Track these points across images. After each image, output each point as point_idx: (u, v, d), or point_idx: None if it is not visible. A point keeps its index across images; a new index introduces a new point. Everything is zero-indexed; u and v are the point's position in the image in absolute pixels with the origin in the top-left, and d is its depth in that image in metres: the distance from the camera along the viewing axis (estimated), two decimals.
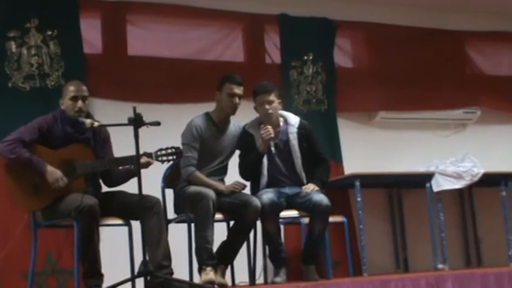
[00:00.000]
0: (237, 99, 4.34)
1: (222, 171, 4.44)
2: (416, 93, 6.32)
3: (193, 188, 4.17)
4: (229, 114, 4.39)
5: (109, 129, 4.02)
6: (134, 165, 3.83)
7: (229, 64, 5.72)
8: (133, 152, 3.60)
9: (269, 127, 4.28)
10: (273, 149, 4.33)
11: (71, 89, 3.89)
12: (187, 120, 4.43)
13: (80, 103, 3.84)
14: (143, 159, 3.79)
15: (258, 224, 4.30)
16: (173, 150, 3.91)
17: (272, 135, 4.27)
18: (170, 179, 4.45)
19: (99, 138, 3.98)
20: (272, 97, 4.40)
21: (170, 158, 3.90)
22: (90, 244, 3.67)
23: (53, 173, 3.70)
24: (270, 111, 4.38)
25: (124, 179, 4.03)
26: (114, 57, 5.39)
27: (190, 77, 5.58)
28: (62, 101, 3.92)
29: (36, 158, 3.72)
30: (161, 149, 3.90)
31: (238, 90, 4.35)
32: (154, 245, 3.76)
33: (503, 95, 6.59)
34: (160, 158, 3.89)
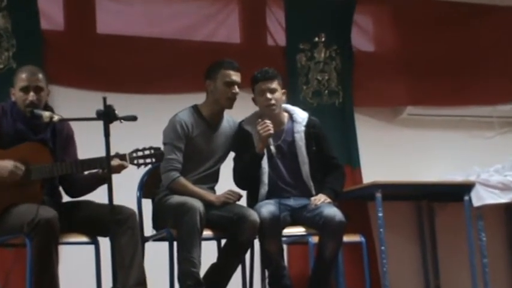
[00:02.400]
0: (236, 89, 4.37)
1: (213, 177, 4.45)
2: (453, 85, 6.35)
3: (176, 198, 4.18)
4: (226, 107, 4.42)
5: (72, 124, 4.02)
6: (103, 170, 3.82)
7: (222, 46, 5.74)
8: (102, 153, 3.59)
9: (267, 121, 4.29)
10: (272, 147, 4.31)
11: (22, 77, 3.88)
12: (170, 114, 4.43)
13: (31, 95, 3.83)
14: (115, 162, 3.79)
15: (256, 243, 4.30)
16: (152, 151, 3.91)
17: (271, 131, 4.27)
18: (148, 187, 4.45)
19: (60, 136, 3.98)
20: (275, 85, 4.42)
21: (148, 160, 3.90)
22: (47, 267, 3.65)
23: (2, 166, 3.69)
24: (273, 101, 4.40)
25: (90, 187, 4.03)
26: (80, 35, 5.40)
27: (174, 61, 5.59)
28: (13, 90, 3.92)
29: None
30: (137, 150, 3.90)
31: (236, 77, 4.38)
32: (126, 267, 3.76)
33: None
34: (136, 161, 3.89)
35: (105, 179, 3.66)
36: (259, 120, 4.31)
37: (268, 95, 4.39)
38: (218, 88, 4.36)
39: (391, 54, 6.29)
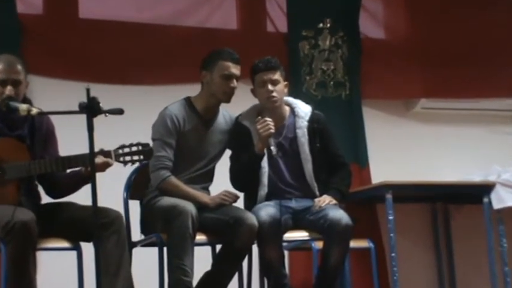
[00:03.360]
0: (234, 82, 4.38)
1: (207, 177, 4.46)
2: (472, 75, 6.36)
3: (167, 200, 4.19)
4: (222, 101, 4.43)
5: (53, 118, 4.01)
6: (87, 168, 3.82)
7: (217, 32, 5.75)
8: (85, 150, 3.59)
9: (268, 119, 4.29)
10: (273, 148, 4.33)
11: None
12: (160, 107, 4.43)
13: (9, 89, 3.82)
14: (99, 160, 3.78)
15: (254, 249, 4.31)
16: (140, 147, 3.90)
17: (272, 130, 4.28)
18: (136, 187, 4.46)
19: (39, 131, 3.97)
20: (277, 76, 4.43)
21: (136, 158, 3.89)
22: (23, 274, 3.65)
23: None
24: (274, 94, 4.40)
25: (73, 187, 4.02)
26: (60, 20, 5.40)
27: (164, 49, 5.60)
28: None
29: None
30: (124, 146, 3.89)
31: (236, 70, 4.39)
32: (112, 275, 3.76)
33: None
34: (122, 158, 3.88)
35: (88, 178, 3.65)
36: (259, 118, 4.32)
37: (270, 87, 4.39)
38: (214, 80, 4.37)
39: (403, 42, 6.29)
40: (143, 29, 5.58)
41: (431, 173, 5.90)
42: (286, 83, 4.51)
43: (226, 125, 4.51)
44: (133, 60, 5.51)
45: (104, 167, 3.83)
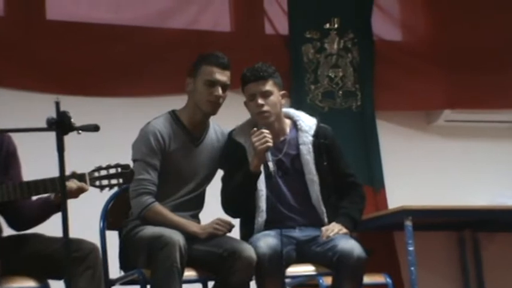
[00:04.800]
0: (219, 90, 4.36)
1: (197, 203, 4.47)
2: (502, 83, 6.40)
3: (150, 230, 4.18)
4: (207, 113, 4.42)
5: (15, 137, 4.01)
6: (57, 194, 3.81)
7: (207, 36, 5.78)
8: (54, 173, 3.58)
9: (265, 131, 4.29)
10: (270, 164, 4.31)
11: None
12: (142, 123, 4.44)
13: None
14: (71, 184, 3.77)
15: (252, 286, 4.29)
16: (119, 170, 3.89)
17: (269, 144, 4.27)
18: (114, 216, 4.47)
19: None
20: (269, 86, 4.40)
21: (114, 182, 3.88)
22: None
23: None
24: (265, 108, 4.39)
25: (40, 217, 4.01)
26: (24, 22, 5.41)
27: (146, 55, 5.63)
28: None
29: None
30: (100, 168, 3.88)
31: (221, 75, 4.37)
32: None
33: None
34: (98, 183, 3.87)
35: (58, 205, 3.65)
36: (255, 129, 4.31)
37: (260, 101, 4.38)
38: (197, 88, 4.38)
39: (423, 44, 6.32)
40: (122, 32, 5.61)
41: (458, 196, 5.92)
42: (283, 92, 4.49)
43: (217, 142, 4.51)
44: (110, 69, 5.54)
45: (77, 192, 3.81)
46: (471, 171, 6.23)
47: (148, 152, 4.33)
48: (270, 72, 4.43)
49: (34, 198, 3.97)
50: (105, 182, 3.87)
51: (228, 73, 4.39)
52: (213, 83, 4.35)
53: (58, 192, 3.75)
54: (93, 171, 3.86)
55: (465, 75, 6.29)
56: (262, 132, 4.27)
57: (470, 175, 6.21)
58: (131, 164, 4.10)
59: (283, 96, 4.50)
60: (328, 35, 6.14)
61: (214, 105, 4.37)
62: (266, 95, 4.39)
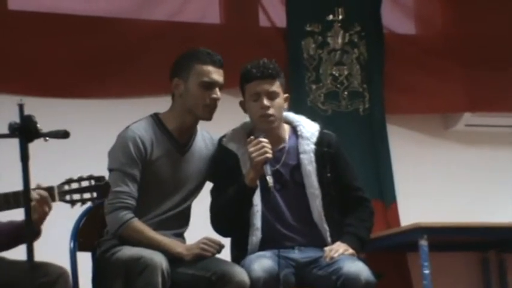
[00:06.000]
0: (217, 92, 4.38)
1: (182, 219, 4.48)
2: None
3: (128, 250, 4.18)
4: (202, 118, 4.43)
5: None
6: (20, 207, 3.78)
7: (193, 28, 5.78)
8: (18, 186, 3.56)
9: (263, 140, 4.28)
10: (269, 178, 4.30)
11: None
12: (119, 127, 4.44)
13: None
14: (36, 196, 3.75)
15: None
16: (92, 182, 3.88)
17: (269, 155, 4.27)
18: (87, 235, 4.46)
19: None
20: (276, 87, 4.42)
21: (87, 196, 3.86)
22: None
23: None
24: (271, 110, 4.39)
25: (5, 245, 4.00)
26: None
27: (123, 50, 5.65)
28: None
29: None
30: (71, 181, 3.87)
31: (218, 75, 4.39)
32: None
33: None
34: (68, 197, 3.84)
35: (21, 225, 3.62)
36: (251, 137, 4.31)
37: (266, 102, 4.38)
38: (191, 91, 4.37)
39: (439, 39, 6.35)
40: (96, 25, 5.62)
41: (480, 212, 5.96)
42: (286, 95, 4.51)
43: (206, 150, 4.52)
44: (82, 66, 5.55)
45: (44, 207, 3.79)
46: (495, 183, 6.24)
47: (126, 160, 4.32)
48: (278, 71, 4.46)
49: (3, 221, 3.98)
50: (76, 196, 3.84)
51: (222, 72, 4.41)
52: (211, 85, 4.36)
53: (22, 207, 3.70)
54: (63, 184, 3.84)
55: (488, 73, 6.32)
56: (261, 142, 4.27)
57: (494, 187, 6.22)
58: (107, 175, 4.08)
59: (286, 99, 4.52)
60: (332, 28, 6.15)
61: (212, 110, 4.39)
62: (273, 96, 4.40)
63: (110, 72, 5.58)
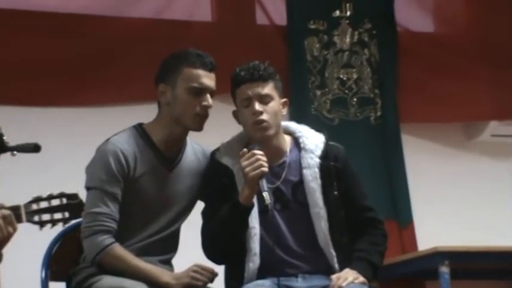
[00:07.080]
0: (209, 99, 4.38)
1: (169, 244, 4.50)
2: None
3: (108, 281, 4.19)
4: (192, 129, 4.44)
5: None
6: None
7: (182, 27, 5.83)
8: None
9: (257, 152, 4.27)
10: (266, 194, 4.29)
11: None
12: (99, 139, 4.43)
13: None
14: (2, 218, 3.72)
15: None
16: (64, 201, 3.88)
17: (265, 169, 4.25)
18: (60, 262, 4.47)
19: None
20: (268, 90, 4.42)
21: (58, 217, 3.87)
22: None
23: None
24: (264, 116, 4.37)
25: None
26: None
27: (103, 52, 5.69)
28: None
29: None
30: (39, 199, 3.87)
31: (210, 80, 4.40)
32: None
33: None
34: (37, 217, 3.85)
35: None
36: (245, 150, 4.30)
37: (257, 106, 4.37)
38: (179, 98, 4.37)
39: (461, 37, 6.34)
40: (70, 23, 5.68)
41: (508, 234, 5.89)
42: (284, 100, 4.51)
43: (198, 165, 4.53)
44: (56, 70, 5.60)
45: (9, 230, 3.75)
46: None
47: (107, 177, 4.32)
48: (271, 72, 4.45)
49: None
50: (46, 216, 3.84)
51: (214, 76, 4.42)
52: (201, 91, 4.37)
53: None
54: (31, 202, 3.84)
55: None
56: (255, 154, 4.25)
57: None
58: (82, 194, 4.07)
59: (284, 104, 4.51)
60: (339, 26, 6.18)
61: (203, 119, 4.40)
62: (265, 100, 4.40)
63: (87, 77, 5.60)
